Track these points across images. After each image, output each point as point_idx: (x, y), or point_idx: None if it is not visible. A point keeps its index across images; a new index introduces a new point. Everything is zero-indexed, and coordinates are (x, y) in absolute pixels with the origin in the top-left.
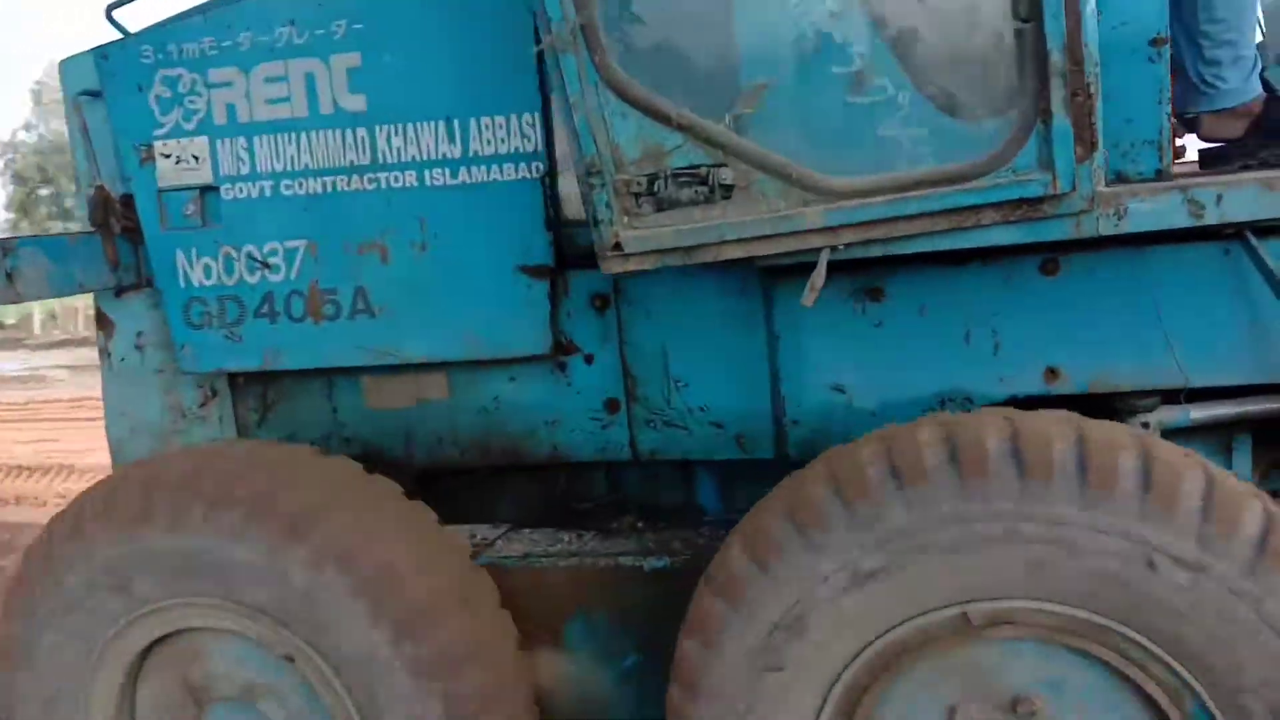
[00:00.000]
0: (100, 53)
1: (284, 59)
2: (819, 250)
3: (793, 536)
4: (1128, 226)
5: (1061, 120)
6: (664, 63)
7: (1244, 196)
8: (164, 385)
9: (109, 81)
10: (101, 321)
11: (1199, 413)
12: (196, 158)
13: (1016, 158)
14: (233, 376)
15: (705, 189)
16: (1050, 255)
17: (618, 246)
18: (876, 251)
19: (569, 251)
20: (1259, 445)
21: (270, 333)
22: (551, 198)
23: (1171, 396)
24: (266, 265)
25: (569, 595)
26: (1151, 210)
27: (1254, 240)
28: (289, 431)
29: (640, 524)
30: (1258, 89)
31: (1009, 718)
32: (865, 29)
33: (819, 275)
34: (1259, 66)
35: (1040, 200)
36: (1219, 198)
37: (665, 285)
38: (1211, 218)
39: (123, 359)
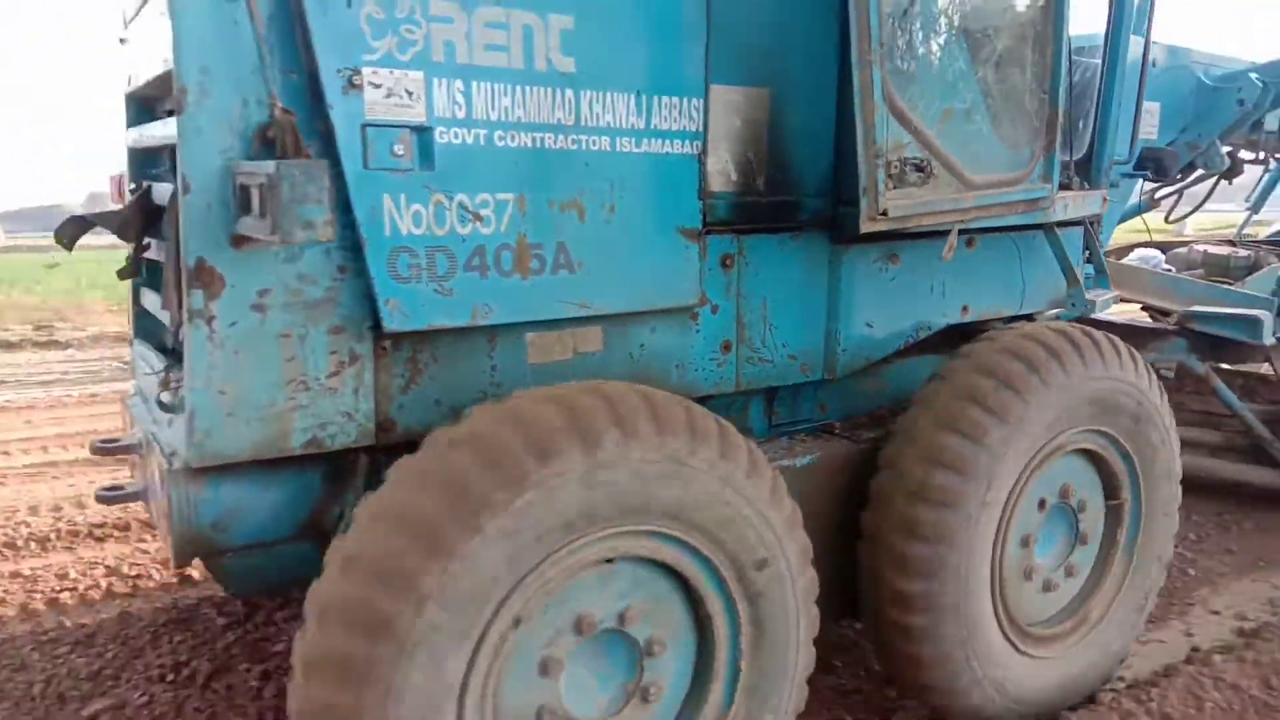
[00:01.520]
0: None
1: (506, 7)
2: (954, 221)
3: (1059, 362)
4: (1057, 217)
5: (1057, 152)
6: (899, 83)
7: (1076, 203)
8: (287, 352)
9: None
10: (204, 278)
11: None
12: (410, 93)
13: (1035, 172)
14: (379, 339)
15: (922, 175)
16: (972, 235)
17: (884, 213)
18: (965, 224)
19: (709, 219)
20: None
21: (480, 287)
22: (702, 172)
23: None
24: (478, 217)
25: None
26: (1060, 209)
27: (1057, 230)
28: (437, 395)
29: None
30: None
31: (1062, 500)
32: (974, 84)
33: (954, 237)
34: None
35: (1039, 200)
36: (1070, 204)
37: (770, 249)
38: (1070, 214)
39: (233, 323)
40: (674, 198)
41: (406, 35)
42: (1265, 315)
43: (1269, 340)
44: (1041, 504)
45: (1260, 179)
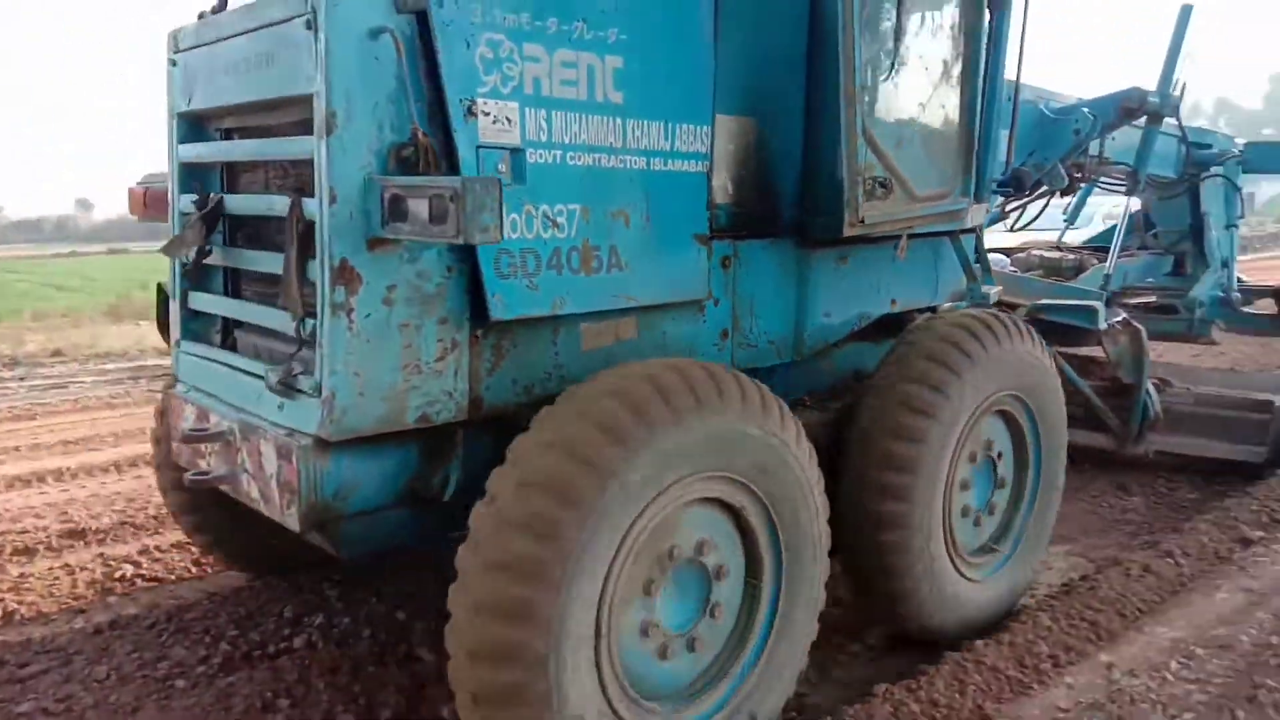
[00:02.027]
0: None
1: (576, 49)
2: (904, 228)
3: (984, 341)
4: (970, 224)
5: (975, 173)
6: (870, 116)
7: (977, 213)
8: (406, 340)
9: (443, 30)
10: (346, 276)
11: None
12: (509, 120)
13: (959, 189)
14: (474, 328)
15: (885, 190)
16: (899, 241)
17: (862, 220)
18: (912, 230)
19: (714, 227)
20: None
21: (557, 282)
22: (709, 187)
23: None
24: (556, 224)
25: None
26: (971, 218)
27: (961, 236)
28: (514, 376)
29: None
30: None
31: (986, 452)
32: (917, 116)
33: (905, 240)
34: None
35: (960, 210)
36: (976, 214)
37: (757, 252)
38: (982, 222)
39: (368, 315)
40: (689, 208)
41: (507, 71)
42: (1098, 305)
43: (1102, 326)
44: (973, 456)
45: (1075, 195)
